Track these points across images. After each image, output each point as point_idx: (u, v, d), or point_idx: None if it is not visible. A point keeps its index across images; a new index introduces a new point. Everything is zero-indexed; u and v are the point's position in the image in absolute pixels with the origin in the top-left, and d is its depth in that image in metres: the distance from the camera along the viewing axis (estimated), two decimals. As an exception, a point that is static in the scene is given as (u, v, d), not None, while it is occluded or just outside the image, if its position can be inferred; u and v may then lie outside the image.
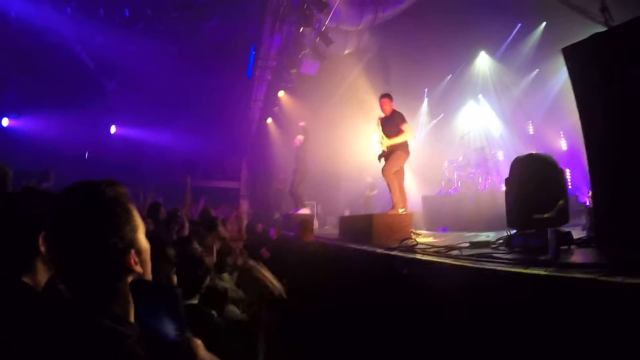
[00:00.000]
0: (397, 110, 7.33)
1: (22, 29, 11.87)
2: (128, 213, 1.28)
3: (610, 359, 1.80)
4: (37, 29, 12.13)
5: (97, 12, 12.12)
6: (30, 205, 1.89)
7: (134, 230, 1.28)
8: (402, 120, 7.14)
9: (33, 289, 1.84)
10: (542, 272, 2.27)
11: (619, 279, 1.88)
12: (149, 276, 1.33)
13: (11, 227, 1.79)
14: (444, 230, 9.52)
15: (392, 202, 7.02)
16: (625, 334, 1.72)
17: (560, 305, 2.10)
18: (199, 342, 1.01)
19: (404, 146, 7.11)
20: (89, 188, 1.26)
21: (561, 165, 3.94)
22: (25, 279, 1.79)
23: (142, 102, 15.30)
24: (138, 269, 1.26)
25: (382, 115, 7.40)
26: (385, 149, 7.16)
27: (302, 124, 11.18)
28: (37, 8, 11.26)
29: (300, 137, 10.89)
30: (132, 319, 1.23)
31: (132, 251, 1.25)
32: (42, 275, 1.89)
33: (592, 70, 3.31)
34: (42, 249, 1.79)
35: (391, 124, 7.18)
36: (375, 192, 13.78)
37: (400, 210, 6.90)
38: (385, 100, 7.38)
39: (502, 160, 11.28)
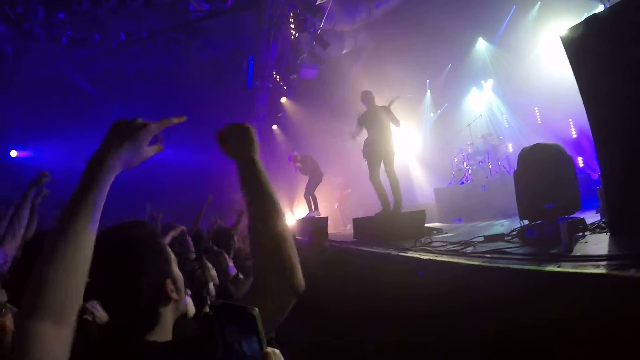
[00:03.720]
0: (380, 105, 7.39)
1: (19, 62, 12.07)
2: (156, 249, 1.40)
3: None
4: (34, 61, 12.32)
5: (92, 39, 12.24)
6: None
7: (167, 262, 1.42)
8: (389, 113, 7.20)
9: None
10: (555, 269, 2.27)
11: (632, 272, 1.88)
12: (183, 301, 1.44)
13: None
14: (459, 220, 9.51)
15: (395, 200, 7.02)
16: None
17: (575, 301, 2.10)
18: (277, 351, 1.05)
19: (391, 140, 7.15)
20: (118, 234, 1.39)
21: (571, 152, 3.91)
22: None
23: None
24: (174, 296, 1.37)
25: (365, 111, 7.47)
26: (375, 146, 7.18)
27: (294, 154, 11.35)
28: (33, 41, 11.40)
29: (299, 165, 11.08)
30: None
31: (168, 281, 1.37)
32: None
33: (591, 54, 3.26)
34: None
35: (376, 118, 7.22)
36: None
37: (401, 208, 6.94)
38: (366, 96, 7.47)
39: (512, 151, 11.26)
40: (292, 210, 16.17)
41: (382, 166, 7.19)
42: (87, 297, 2.10)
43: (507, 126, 13.18)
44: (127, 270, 1.30)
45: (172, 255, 1.46)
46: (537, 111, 12.49)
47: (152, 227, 1.49)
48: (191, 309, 2.40)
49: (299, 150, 11.98)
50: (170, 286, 1.36)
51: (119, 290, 1.29)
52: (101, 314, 2.21)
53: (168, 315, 1.36)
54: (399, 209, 6.93)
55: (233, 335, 1.13)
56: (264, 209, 1.37)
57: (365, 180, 7.69)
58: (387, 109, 7.23)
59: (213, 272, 3.52)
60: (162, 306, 1.34)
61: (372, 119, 7.26)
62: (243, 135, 1.45)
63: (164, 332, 1.33)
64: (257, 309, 1.16)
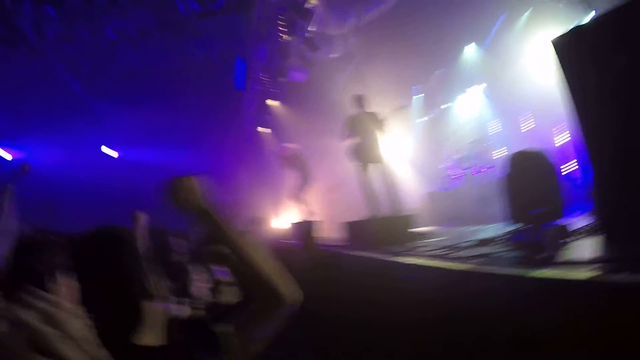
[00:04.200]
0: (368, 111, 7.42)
1: (6, 57, 11.93)
2: (133, 250, 1.44)
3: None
4: (21, 57, 12.19)
5: (80, 35, 12.14)
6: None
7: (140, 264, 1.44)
8: (378, 118, 7.22)
9: None
10: (541, 274, 2.26)
11: (620, 277, 1.87)
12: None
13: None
14: (449, 225, 9.53)
15: (392, 202, 7.02)
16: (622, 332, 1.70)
17: (563, 306, 2.08)
18: None
19: (380, 144, 7.17)
20: (101, 235, 1.45)
21: (558, 159, 3.94)
22: None
23: (132, 121, 15.33)
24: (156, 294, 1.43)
25: (356, 114, 7.45)
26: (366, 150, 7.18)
27: (289, 146, 11.33)
28: (20, 36, 11.27)
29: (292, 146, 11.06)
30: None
31: (148, 279, 1.42)
32: None
33: (580, 62, 3.28)
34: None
35: (366, 123, 7.22)
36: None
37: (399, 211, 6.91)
38: (358, 99, 7.47)
39: (501, 156, 11.30)
40: (280, 214, 16.09)
41: (375, 169, 7.19)
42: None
43: (496, 132, 13.23)
44: (105, 271, 1.34)
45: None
46: (525, 117, 12.57)
47: (126, 230, 1.51)
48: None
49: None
50: (150, 284, 1.40)
51: (100, 290, 1.32)
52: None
53: (156, 317, 1.38)
54: (397, 211, 6.92)
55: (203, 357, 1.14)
56: (232, 247, 1.50)
57: (354, 183, 7.68)
58: (377, 116, 7.23)
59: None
60: (143, 305, 1.36)
61: (363, 123, 7.24)
62: (186, 189, 1.51)
63: (155, 336, 1.34)
64: (229, 329, 1.20)
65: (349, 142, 7.40)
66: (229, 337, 1.23)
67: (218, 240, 1.50)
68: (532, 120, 12.16)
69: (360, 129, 7.26)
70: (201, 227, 1.50)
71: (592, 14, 7.81)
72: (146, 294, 1.37)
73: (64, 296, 1.97)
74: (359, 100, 7.48)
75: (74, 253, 1.42)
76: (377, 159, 7.09)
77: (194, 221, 1.48)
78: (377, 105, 7.60)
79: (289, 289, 1.46)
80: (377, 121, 7.20)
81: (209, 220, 1.49)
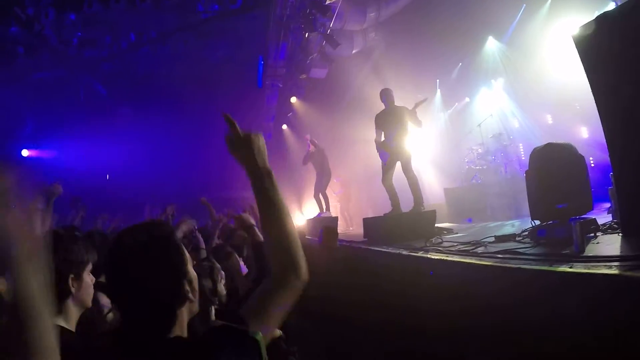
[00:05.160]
0: (398, 104, 7.32)
1: (31, 63, 12.20)
2: (173, 250, 1.40)
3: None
4: (45, 62, 12.45)
5: (102, 40, 12.37)
6: (61, 248, 2.00)
7: (184, 262, 1.42)
8: (412, 113, 7.12)
9: (70, 332, 1.94)
10: (567, 269, 2.27)
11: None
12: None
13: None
14: (469, 220, 9.46)
15: (415, 199, 6.99)
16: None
17: (587, 301, 2.09)
18: None
19: (407, 140, 7.11)
20: (136, 234, 1.40)
21: (583, 152, 3.89)
22: (61, 322, 1.89)
23: (155, 122, 15.50)
24: (191, 297, 1.38)
25: (382, 110, 7.40)
26: (392, 147, 7.13)
27: (306, 136, 11.37)
28: (44, 42, 11.52)
29: (312, 149, 11.10)
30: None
31: (185, 281, 1.38)
32: (74, 315, 2.00)
33: (603, 51, 3.23)
34: (73, 289, 1.91)
35: (395, 118, 7.16)
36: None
37: (422, 208, 6.88)
38: (385, 93, 7.41)
39: (523, 151, 11.19)
40: (301, 210, 16.18)
41: (399, 166, 7.16)
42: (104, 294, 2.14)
43: (518, 126, 13.06)
44: (144, 270, 1.31)
45: (188, 255, 1.46)
46: (548, 110, 12.38)
47: (170, 227, 1.51)
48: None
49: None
50: (186, 287, 1.37)
51: (136, 290, 1.30)
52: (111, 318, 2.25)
53: (184, 316, 1.37)
54: (420, 208, 6.90)
55: None
56: (273, 214, 1.51)
57: (374, 180, 7.65)
58: (408, 109, 7.16)
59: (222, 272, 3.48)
60: (178, 307, 1.35)
61: (390, 119, 7.22)
62: (251, 144, 1.53)
63: (180, 333, 1.34)
64: (260, 333, 1.21)
65: (377, 139, 7.37)
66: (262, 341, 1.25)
67: (265, 203, 1.52)
68: (553, 114, 12.00)
69: (387, 125, 7.23)
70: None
71: (612, 4, 7.65)
72: (183, 295, 1.36)
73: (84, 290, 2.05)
74: (385, 94, 7.43)
75: (110, 249, 1.37)
76: (402, 155, 7.04)
77: (248, 176, 1.54)
78: (398, 99, 7.53)
79: (305, 265, 1.50)
80: (408, 113, 7.12)
81: (261, 180, 1.52)
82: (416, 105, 7.15)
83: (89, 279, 2.07)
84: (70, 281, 1.95)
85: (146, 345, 1.26)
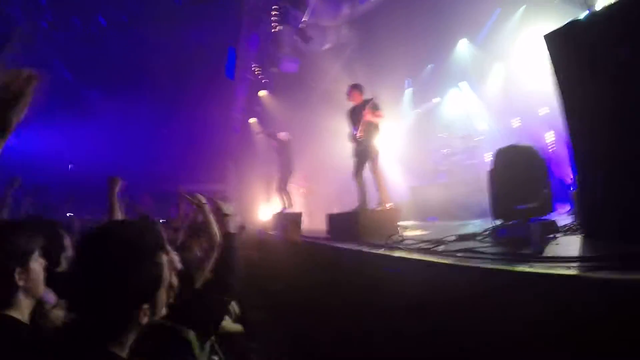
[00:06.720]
0: (366, 98, 7.26)
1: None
2: (144, 250, 1.36)
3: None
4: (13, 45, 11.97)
5: (72, 24, 11.95)
6: (8, 240, 1.88)
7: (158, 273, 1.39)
8: (374, 106, 7.08)
9: (23, 323, 1.84)
10: (525, 269, 2.24)
11: (602, 274, 1.85)
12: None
13: None
14: (435, 219, 9.53)
15: (380, 198, 6.97)
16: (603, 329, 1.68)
17: (545, 301, 2.06)
18: None
19: (377, 137, 7.07)
20: (112, 231, 1.40)
21: (545, 156, 3.91)
22: (13, 314, 1.80)
23: (123, 109, 15.15)
24: (146, 311, 1.33)
25: (352, 105, 7.35)
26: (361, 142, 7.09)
27: (277, 135, 11.23)
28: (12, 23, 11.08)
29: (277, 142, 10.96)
30: None
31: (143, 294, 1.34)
32: (27, 306, 1.89)
33: (574, 56, 3.23)
34: (21, 282, 1.79)
35: (362, 114, 7.10)
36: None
37: (387, 205, 6.85)
38: (354, 90, 7.35)
39: (489, 152, 11.30)
40: (268, 205, 16.04)
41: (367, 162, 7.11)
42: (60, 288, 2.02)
43: (486, 128, 13.22)
44: (108, 272, 1.26)
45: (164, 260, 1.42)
46: (516, 114, 12.58)
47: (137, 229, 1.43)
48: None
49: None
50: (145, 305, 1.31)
51: (96, 292, 1.25)
52: (56, 314, 2.11)
53: (133, 328, 1.31)
54: (384, 206, 6.86)
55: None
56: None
57: (341, 175, 7.59)
58: (372, 102, 7.11)
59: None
60: (131, 316, 1.29)
61: (359, 114, 7.17)
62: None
63: (123, 345, 1.29)
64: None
65: (350, 135, 7.31)
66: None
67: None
68: (522, 117, 12.20)
69: (357, 120, 7.17)
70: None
71: (586, 13, 7.78)
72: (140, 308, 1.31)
73: (33, 281, 1.91)
74: (354, 90, 7.38)
75: (81, 247, 1.35)
76: (371, 153, 7.00)
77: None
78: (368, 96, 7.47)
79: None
80: (374, 106, 7.07)
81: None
82: (366, 103, 7.13)
83: (37, 265, 1.93)
84: (16, 275, 1.82)
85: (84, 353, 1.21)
